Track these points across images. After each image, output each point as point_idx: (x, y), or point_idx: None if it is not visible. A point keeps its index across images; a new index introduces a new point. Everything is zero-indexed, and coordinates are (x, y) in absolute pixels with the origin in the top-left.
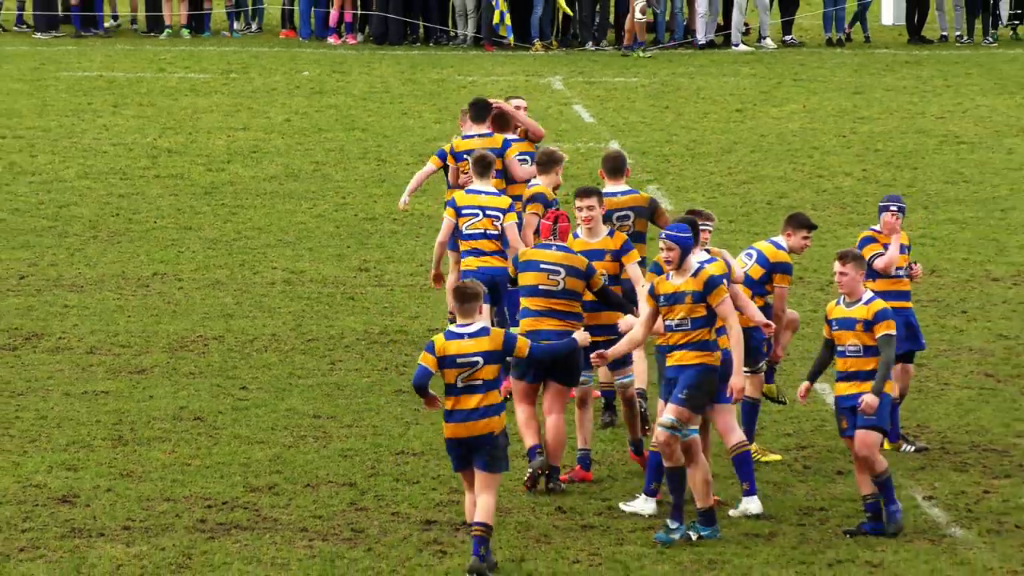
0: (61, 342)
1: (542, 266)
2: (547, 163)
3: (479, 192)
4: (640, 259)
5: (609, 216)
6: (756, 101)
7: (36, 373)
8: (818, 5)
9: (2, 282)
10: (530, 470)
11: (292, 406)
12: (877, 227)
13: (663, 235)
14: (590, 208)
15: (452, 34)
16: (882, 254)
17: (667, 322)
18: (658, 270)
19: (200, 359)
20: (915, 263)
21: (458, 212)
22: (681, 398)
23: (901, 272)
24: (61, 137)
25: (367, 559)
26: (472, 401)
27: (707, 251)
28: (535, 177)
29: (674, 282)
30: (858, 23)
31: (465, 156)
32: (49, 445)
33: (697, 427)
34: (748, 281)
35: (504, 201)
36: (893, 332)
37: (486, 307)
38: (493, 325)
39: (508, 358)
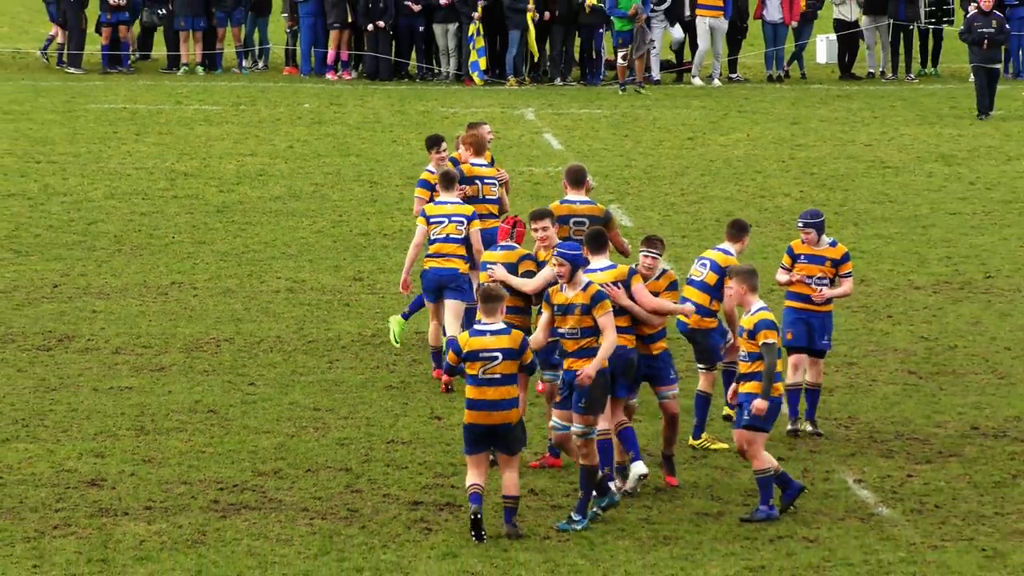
0: (90, 343)
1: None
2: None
3: (446, 203)
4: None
5: (566, 220)
6: (705, 130)
7: (68, 371)
8: (760, 46)
9: (37, 290)
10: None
11: (295, 400)
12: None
13: (556, 252)
14: (544, 229)
15: (436, 71)
16: (786, 268)
17: (560, 330)
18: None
19: (213, 358)
20: (824, 287)
21: (428, 220)
22: (582, 407)
23: (810, 280)
24: (90, 162)
25: (361, 535)
26: (491, 392)
27: (665, 271)
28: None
29: (567, 294)
30: (795, 62)
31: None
32: (79, 434)
33: (599, 426)
34: (706, 288)
35: (467, 209)
36: (772, 341)
37: (451, 303)
38: (442, 322)
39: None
